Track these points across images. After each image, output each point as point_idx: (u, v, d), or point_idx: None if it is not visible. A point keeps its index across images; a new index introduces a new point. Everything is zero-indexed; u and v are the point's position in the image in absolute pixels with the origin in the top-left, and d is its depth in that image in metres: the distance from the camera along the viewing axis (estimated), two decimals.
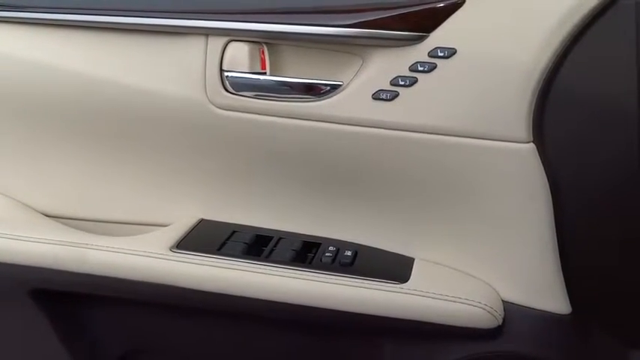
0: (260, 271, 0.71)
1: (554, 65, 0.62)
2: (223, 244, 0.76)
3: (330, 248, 0.75)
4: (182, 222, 0.80)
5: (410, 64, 0.67)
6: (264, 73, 0.73)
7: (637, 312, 0.67)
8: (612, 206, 0.64)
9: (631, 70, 0.61)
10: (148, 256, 0.74)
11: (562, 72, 0.63)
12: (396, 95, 0.68)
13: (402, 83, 0.67)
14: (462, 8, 0.66)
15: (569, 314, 0.67)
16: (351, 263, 0.72)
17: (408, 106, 0.67)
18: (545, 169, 0.64)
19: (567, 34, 0.62)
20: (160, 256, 0.74)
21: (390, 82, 0.68)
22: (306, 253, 0.76)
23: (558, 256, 0.66)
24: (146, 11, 0.75)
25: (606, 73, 0.62)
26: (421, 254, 0.74)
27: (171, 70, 0.75)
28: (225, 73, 0.73)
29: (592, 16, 0.61)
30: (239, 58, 0.72)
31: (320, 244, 0.76)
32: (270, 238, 0.78)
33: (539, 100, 0.63)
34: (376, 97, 0.68)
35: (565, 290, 0.67)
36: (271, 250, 0.75)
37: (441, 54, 0.66)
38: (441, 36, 0.66)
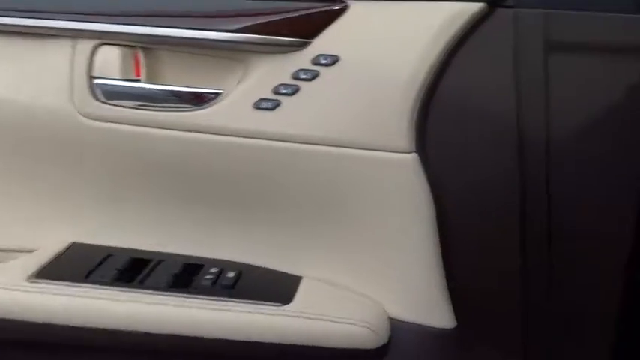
0: (130, 299, 0.65)
1: (436, 74, 0.62)
2: (93, 270, 0.69)
3: (212, 270, 0.69)
4: (48, 247, 0.72)
5: (292, 72, 0.64)
6: (139, 80, 0.68)
7: (515, 323, 0.66)
8: (494, 220, 0.63)
9: (510, 79, 0.61)
10: (1, 289, 0.65)
11: (444, 81, 0.62)
12: (277, 104, 0.64)
13: (284, 92, 0.64)
14: (344, 15, 0.64)
15: (454, 328, 0.66)
16: (233, 285, 0.67)
17: (290, 116, 0.64)
18: (428, 180, 0.63)
19: (447, 44, 0.61)
20: (14, 287, 0.65)
21: (272, 90, 0.65)
22: (190, 275, 0.70)
23: (443, 270, 0.64)
24: (6, 10, 0.68)
25: (486, 81, 0.62)
26: (309, 272, 0.70)
27: (35, 76, 0.69)
28: (95, 80, 0.67)
29: (471, 25, 0.61)
30: (110, 63, 0.67)
31: (203, 265, 0.71)
32: (149, 262, 0.71)
33: (421, 109, 0.62)
34: (257, 106, 0.65)
35: (450, 304, 0.65)
36: (147, 275, 0.69)
37: (324, 61, 0.63)
38: (323, 43, 0.64)
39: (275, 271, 0.71)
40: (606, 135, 0.61)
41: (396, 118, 0.62)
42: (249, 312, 0.64)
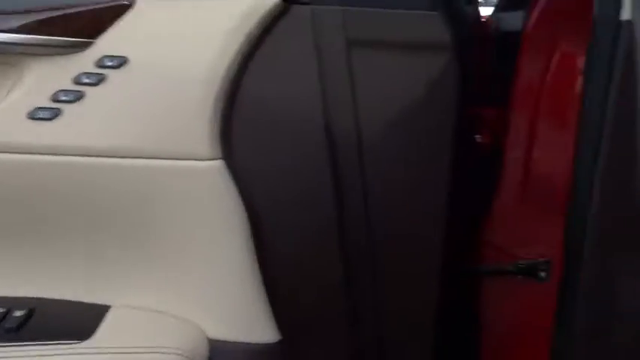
0: None
1: (235, 75, 0.58)
2: None
3: None
4: None
5: (73, 76, 0.57)
6: None
7: (342, 332, 0.64)
8: (311, 229, 0.61)
9: (314, 78, 0.59)
10: None
11: (245, 82, 0.58)
12: (57, 113, 0.57)
13: (65, 99, 0.57)
14: (131, 11, 0.58)
15: (278, 342, 0.63)
16: (20, 326, 0.58)
17: (74, 126, 0.57)
18: (238, 187, 0.58)
19: (244, 41, 0.57)
20: None
21: (51, 97, 0.57)
22: None
23: (261, 283, 0.60)
24: None
25: (290, 81, 0.59)
26: (119, 299, 0.63)
27: None
28: None
29: (267, 22, 0.58)
30: None
31: None
32: None
33: (223, 112, 0.58)
34: (33, 116, 0.57)
35: (272, 318, 0.62)
36: None
37: (110, 63, 0.57)
38: (108, 43, 0.57)
39: (77, 303, 0.62)
40: (412, 134, 0.61)
41: (195, 123, 0.57)
42: (38, 356, 0.55)
